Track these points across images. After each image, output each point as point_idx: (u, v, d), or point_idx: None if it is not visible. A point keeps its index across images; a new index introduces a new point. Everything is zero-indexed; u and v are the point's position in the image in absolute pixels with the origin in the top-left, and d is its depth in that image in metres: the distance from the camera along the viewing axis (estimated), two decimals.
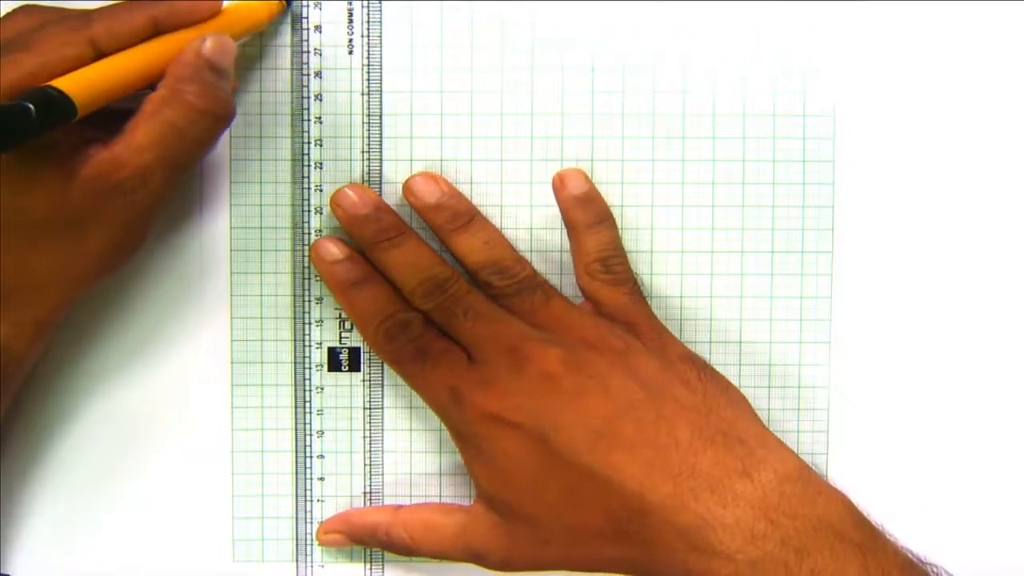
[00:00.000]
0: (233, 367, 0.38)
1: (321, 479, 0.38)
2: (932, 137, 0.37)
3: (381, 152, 0.37)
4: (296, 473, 0.38)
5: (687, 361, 0.36)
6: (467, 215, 0.36)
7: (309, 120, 0.37)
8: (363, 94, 0.37)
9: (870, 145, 0.37)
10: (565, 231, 0.37)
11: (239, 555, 0.38)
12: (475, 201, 0.37)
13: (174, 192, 0.37)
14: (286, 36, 0.37)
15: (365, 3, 0.37)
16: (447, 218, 0.36)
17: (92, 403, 0.38)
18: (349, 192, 0.36)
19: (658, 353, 0.35)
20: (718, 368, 0.37)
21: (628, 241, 0.37)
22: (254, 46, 0.37)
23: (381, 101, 0.37)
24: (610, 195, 0.37)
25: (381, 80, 0.37)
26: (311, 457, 0.38)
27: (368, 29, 0.37)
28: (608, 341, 0.35)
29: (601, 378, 0.34)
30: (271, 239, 0.37)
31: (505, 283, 0.36)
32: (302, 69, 0.37)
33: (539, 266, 0.37)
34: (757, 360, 0.38)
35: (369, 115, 0.37)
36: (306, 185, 0.37)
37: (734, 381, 0.37)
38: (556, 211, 0.37)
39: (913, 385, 0.38)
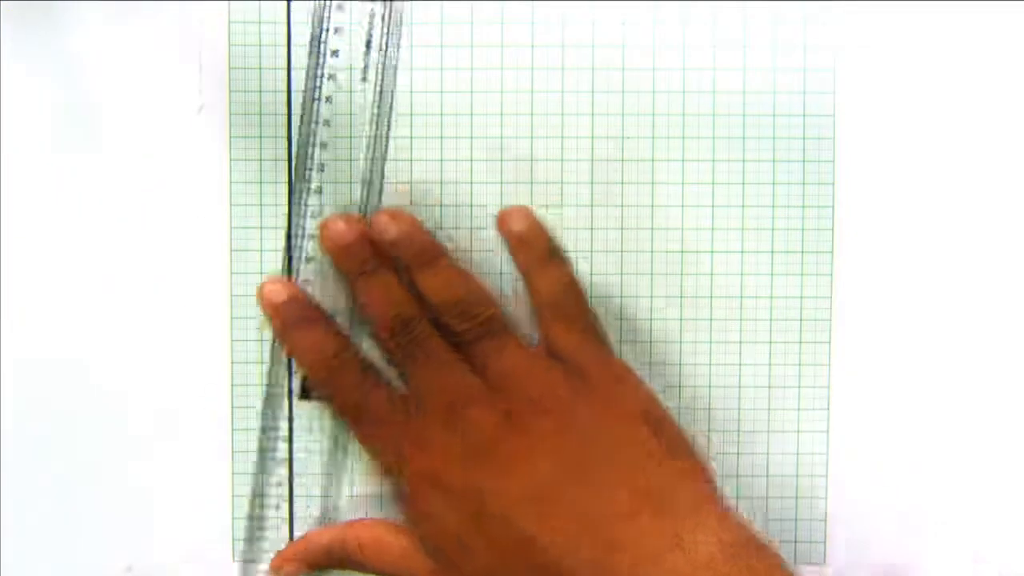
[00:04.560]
0: (233, 367, 0.38)
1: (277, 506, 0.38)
2: (933, 137, 0.37)
3: (384, 151, 0.37)
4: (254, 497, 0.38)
5: (638, 418, 0.34)
6: (432, 253, 0.36)
7: (318, 123, 0.37)
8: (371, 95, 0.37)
9: (870, 145, 0.37)
10: (565, 231, 0.37)
11: (239, 555, 0.38)
12: (475, 201, 0.37)
13: (174, 190, 0.37)
14: (282, 36, 0.37)
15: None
16: (411, 255, 0.36)
17: (91, 402, 0.38)
18: (336, 222, 0.36)
19: (607, 408, 0.34)
20: (718, 368, 0.37)
21: (628, 241, 0.37)
22: (254, 45, 0.37)
23: (393, 99, 0.37)
24: (610, 195, 0.37)
25: (394, 80, 0.37)
26: (271, 485, 0.38)
27: (388, 30, 0.37)
28: (554, 396, 0.34)
29: (539, 442, 0.33)
30: (271, 239, 0.37)
31: (465, 327, 0.35)
32: (316, 70, 0.37)
33: None
34: (757, 360, 0.38)
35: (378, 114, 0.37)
36: (303, 187, 0.37)
37: (734, 381, 0.37)
38: (555, 212, 0.37)
39: (913, 385, 0.38)
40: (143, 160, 0.37)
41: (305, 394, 0.37)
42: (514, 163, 0.37)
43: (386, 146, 0.37)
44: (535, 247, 0.36)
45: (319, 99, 0.37)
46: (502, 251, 0.37)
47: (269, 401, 0.37)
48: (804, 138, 0.37)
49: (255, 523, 0.38)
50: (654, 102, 0.37)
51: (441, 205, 0.37)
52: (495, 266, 0.37)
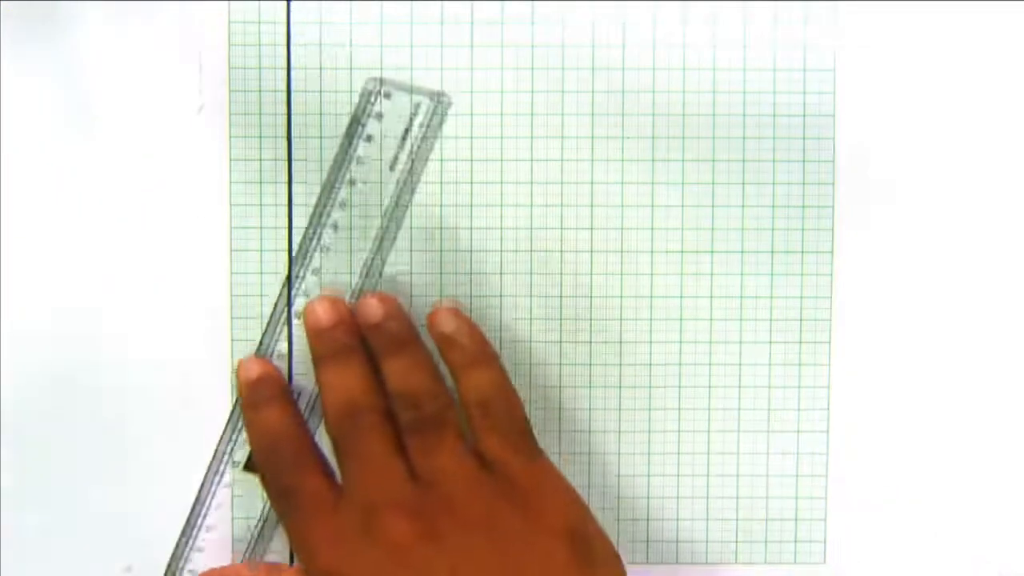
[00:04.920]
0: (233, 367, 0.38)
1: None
2: (933, 137, 0.37)
3: (392, 245, 0.37)
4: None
5: (561, 535, 0.34)
6: (401, 340, 0.36)
7: (335, 205, 0.37)
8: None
9: (870, 145, 0.37)
10: (565, 231, 0.37)
11: (239, 555, 0.38)
12: (475, 202, 0.37)
13: (174, 190, 0.37)
14: (282, 36, 0.37)
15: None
16: (384, 340, 0.36)
17: (91, 402, 0.38)
18: (321, 303, 0.36)
19: (530, 523, 0.34)
20: (717, 368, 0.37)
21: (628, 241, 0.37)
22: (254, 45, 0.37)
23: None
24: (610, 195, 0.37)
25: (419, 176, 0.37)
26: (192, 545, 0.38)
27: (428, 125, 0.37)
28: (474, 507, 0.33)
29: (451, 553, 0.33)
30: (271, 239, 0.37)
31: (408, 416, 0.35)
32: (348, 151, 0.37)
33: (537, 267, 0.37)
34: (757, 360, 0.38)
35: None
36: (303, 264, 0.37)
37: (733, 381, 0.37)
38: (556, 212, 0.37)
39: (913, 385, 0.38)
40: (143, 160, 0.37)
41: (248, 467, 0.37)
42: (514, 163, 0.37)
43: (394, 239, 0.37)
44: (464, 348, 0.35)
45: (343, 180, 0.37)
46: (502, 252, 0.37)
47: (212, 466, 0.38)
48: (804, 138, 0.37)
49: None
50: (654, 102, 0.37)
51: (441, 205, 0.37)
52: (495, 266, 0.37)
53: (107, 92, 0.37)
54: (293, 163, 0.37)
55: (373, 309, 0.36)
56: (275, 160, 0.37)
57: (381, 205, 0.37)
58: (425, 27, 0.37)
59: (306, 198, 0.37)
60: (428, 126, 0.36)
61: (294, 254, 0.37)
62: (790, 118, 0.37)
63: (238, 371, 0.37)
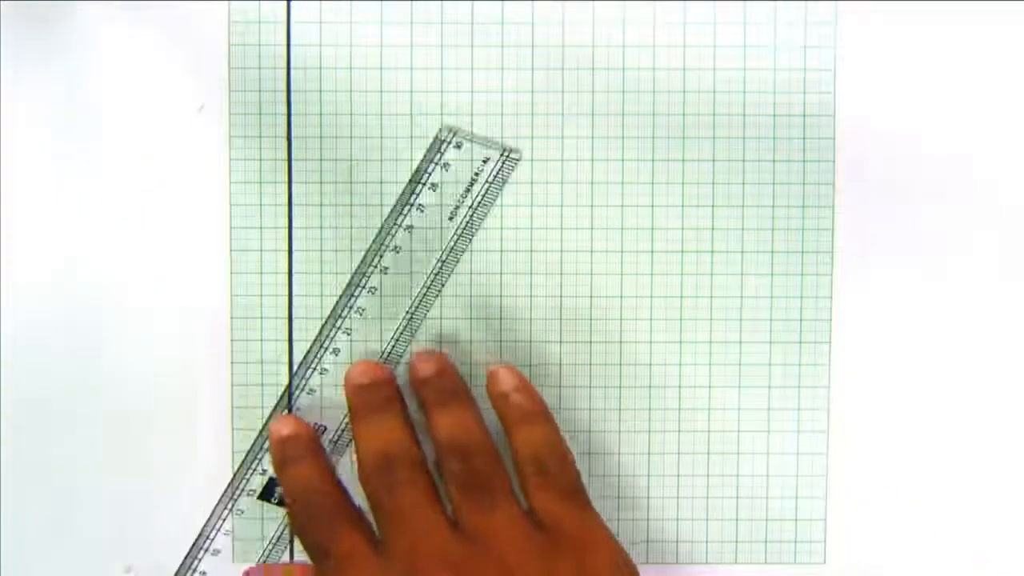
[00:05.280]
0: (233, 367, 0.38)
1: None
2: (933, 137, 0.37)
3: (439, 291, 0.37)
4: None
5: None
6: (452, 393, 0.36)
7: (388, 248, 0.37)
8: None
9: (870, 145, 0.37)
10: (565, 232, 0.37)
11: (239, 555, 0.38)
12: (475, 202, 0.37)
13: (174, 190, 0.37)
14: (282, 36, 0.37)
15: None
16: (432, 393, 0.36)
17: (91, 403, 0.38)
18: (362, 363, 0.36)
19: None
20: (717, 368, 0.37)
21: (628, 241, 0.37)
22: (254, 45, 0.37)
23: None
24: (610, 195, 0.37)
25: (475, 229, 0.37)
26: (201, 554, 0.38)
27: (493, 179, 0.37)
28: (528, 568, 0.33)
29: None
30: (271, 239, 0.37)
31: (457, 468, 0.34)
32: (411, 197, 0.37)
33: (538, 266, 0.37)
34: (757, 360, 0.38)
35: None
36: (345, 303, 0.37)
37: (733, 381, 0.37)
38: (556, 212, 0.37)
39: (913, 385, 0.38)
40: (143, 160, 0.37)
41: (265, 496, 0.38)
42: (514, 163, 0.37)
43: (443, 286, 0.37)
44: (519, 405, 0.36)
45: (400, 225, 0.37)
46: (502, 252, 0.37)
47: (223, 499, 0.38)
48: (804, 138, 0.37)
49: None
50: (654, 102, 0.37)
51: (442, 204, 0.37)
52: (495, 265, 0.37)
53: (107, 92, 0.37)
54: (293, 163, 0.37)
55: (425, 364, 0.36)
56: (275, 160, 0.37)
57: (440, 250, 0.37)
58: (425, 27, 0.37)
59: (306, 198, 0.37)
60: (493, 180, 0.37)
61: (339, 293, 0.37)
62: (790, 118, 0.37)
63: (270, 429, 0.37)
